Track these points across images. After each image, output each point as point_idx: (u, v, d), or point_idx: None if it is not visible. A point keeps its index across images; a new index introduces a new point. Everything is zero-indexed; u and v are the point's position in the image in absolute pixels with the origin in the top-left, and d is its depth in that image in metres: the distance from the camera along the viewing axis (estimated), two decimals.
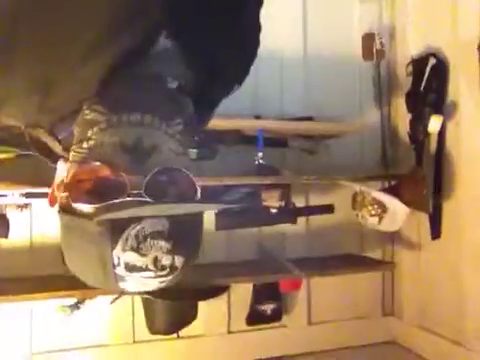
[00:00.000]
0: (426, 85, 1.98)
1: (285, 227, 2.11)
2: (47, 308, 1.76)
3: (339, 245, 2.27)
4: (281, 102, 2.21)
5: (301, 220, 2.13)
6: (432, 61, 1.99)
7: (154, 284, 0.60)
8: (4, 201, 1.57)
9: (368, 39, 2.29)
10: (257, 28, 0.82)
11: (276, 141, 2.06)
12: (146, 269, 0.57)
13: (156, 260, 0.57)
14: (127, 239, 0.56)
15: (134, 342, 2.00)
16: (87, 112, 0.64)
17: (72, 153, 0.64)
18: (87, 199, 0.58)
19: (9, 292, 1.59)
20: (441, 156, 2.00)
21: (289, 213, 1.93)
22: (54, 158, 0.75)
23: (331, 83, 2.30)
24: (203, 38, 0.74)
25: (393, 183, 2.06)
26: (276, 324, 2.15)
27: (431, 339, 2.11)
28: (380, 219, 1.91)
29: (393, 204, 1.88)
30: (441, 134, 1.99)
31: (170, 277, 0.60)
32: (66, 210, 0.61)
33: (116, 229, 0.56)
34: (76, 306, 1.61)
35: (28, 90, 0.64)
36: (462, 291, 1.96)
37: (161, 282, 0.60)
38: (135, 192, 0.57)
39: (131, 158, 0.58)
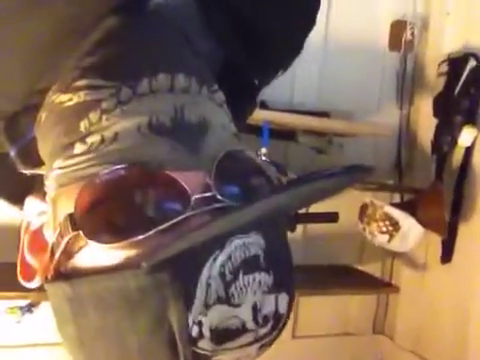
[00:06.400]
0: (461, 90, 1.73)
1: None
2: None
3: (337, 254, 2.05)
4: (292, 89, 1.93)
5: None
6: (472, 63, 1.72)
7: (252, 354, 0.34)
8: None
9: (398, 27, 2.03)
10: None
11: (283, 133, 1.81)
12: (244, 331, 0.32)
13: (255, 310, 0.33)
14: (209, 285, 0.31)
15: None
16: (66, 97, 0.36)
17: (59, 171, 0.36)
18: (115, 234, 0.32)
19: None
20: (466, 173, 1.76)
21: (288, 220, 1.69)
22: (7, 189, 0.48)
23: (350, 72, 2.02)
24: None
25: (407, 197, 1.82)
26: None
27: None
28: (390, 237, 1.69)
29: (407, 223, 1.65)
30: (470, 148, 1.75)
31: (274, 334, 0.35)
32: (67, 275, 0.35)
33: (186, 272, 0.31)
34: (28, 309, 1.36)
35: None
36: (467, 324, 1.76)
37: (260, 347, 0.34)
38: (200, 196, 0.32)
39: (175, 143, 0.34)
